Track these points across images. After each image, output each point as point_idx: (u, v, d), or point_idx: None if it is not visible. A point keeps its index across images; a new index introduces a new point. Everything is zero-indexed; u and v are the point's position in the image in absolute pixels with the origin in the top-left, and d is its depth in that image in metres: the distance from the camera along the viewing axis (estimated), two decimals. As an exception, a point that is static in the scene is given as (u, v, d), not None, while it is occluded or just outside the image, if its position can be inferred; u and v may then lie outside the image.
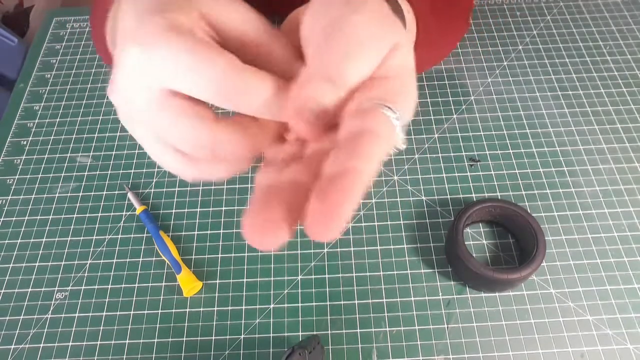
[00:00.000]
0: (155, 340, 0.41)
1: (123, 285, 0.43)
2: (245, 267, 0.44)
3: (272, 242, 0.15)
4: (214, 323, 0.41)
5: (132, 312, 0.42)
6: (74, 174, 0.50)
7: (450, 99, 0.53)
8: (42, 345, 0.41)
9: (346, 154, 0.15)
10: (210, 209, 0.47)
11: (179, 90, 0.18)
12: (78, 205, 0.48)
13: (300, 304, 0.42)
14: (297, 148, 0.20)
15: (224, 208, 0.47)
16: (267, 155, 0.20)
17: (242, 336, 0.41)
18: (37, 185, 0.50)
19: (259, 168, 0.20)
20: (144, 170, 0.50)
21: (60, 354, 0.40)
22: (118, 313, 0.42)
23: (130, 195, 0.48)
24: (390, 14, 0.20)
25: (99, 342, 0.41)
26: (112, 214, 0.47)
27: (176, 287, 0.43)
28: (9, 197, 0.49)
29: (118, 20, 0.20)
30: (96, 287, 0.43)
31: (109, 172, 0.50)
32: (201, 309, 0.42)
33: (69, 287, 0.43)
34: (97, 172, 0.50)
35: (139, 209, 0.46)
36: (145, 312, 0.42)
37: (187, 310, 0.42)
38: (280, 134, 0.21)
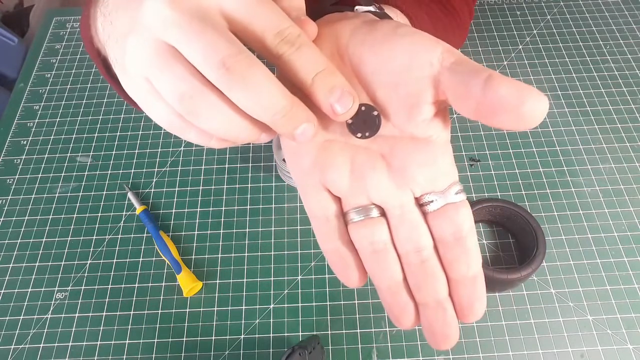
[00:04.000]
0: (155, 340, 0.41)
1: (123, 286, 0.43)
2: (245, 267, 0.44)
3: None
4: (214, 323, 0.41)
5: (132, 312, 0.42)
6: (74, 173, 0.50)
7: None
8: (42, 345, 0.41)
9: (462, 261, 0.19)
10: (210, 209, 0.47)
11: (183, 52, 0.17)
12: (78, 205, 0.48)
13: (300, 304, 0.42)
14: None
15: (224, 208, 0.47)
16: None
17: (242, 336, 0.41)
18: (37, 185, 0.50)
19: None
20: (144, 170, 0.50)
21: (60, 354, 0.40)
22: (118, 313, 0.42)
23: (130, 195, 0.48)
24: None
25: (99, 342, 0.41)
26: (112, 214, 0.47)
27: (176, 287, 0.43)
28: (9, 197, 0.49)
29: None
30: (96, 287, 0.43)
31: (109, 172, 0.50)
32: (201, 309, 0.42)
33: (69, 287, 0.43)
34: (97, 172, 0.50)
35: (139, 209, 0.46)
36: (145, 312, 0.42)
37: (187, 310, 0.42)
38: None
